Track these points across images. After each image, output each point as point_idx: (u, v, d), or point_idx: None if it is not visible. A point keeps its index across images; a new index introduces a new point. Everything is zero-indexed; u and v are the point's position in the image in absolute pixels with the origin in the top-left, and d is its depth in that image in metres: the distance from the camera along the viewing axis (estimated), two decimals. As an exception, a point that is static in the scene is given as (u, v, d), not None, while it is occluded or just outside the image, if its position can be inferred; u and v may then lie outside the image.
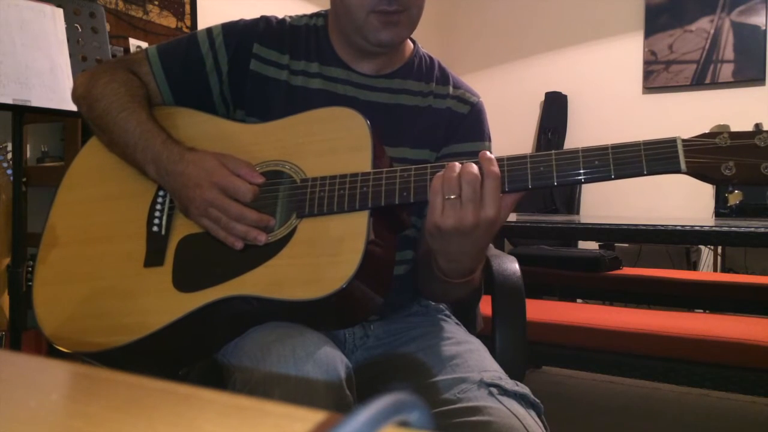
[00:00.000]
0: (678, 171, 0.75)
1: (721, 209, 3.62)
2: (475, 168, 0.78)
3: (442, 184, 0.78)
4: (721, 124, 0.76)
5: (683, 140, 0.75)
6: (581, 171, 0.78)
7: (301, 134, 0.93)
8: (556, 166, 0.78)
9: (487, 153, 0.80)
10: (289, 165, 0.91)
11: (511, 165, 0.80)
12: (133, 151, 0.94)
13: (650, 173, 0.76)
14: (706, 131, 0.76)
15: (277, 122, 0.96)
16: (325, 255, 0.83)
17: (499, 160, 0.80)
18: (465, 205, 0.77)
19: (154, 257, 0.92)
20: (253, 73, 1.01)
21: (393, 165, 0.88)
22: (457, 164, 0.79)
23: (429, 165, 0.84)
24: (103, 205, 0.99)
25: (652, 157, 0.75)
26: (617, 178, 0.77)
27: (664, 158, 0.75)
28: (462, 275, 0.87)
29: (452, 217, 0.77)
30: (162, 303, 0.88)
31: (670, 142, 0.75)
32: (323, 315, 0.86)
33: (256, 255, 0.86)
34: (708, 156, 0.74)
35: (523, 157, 0.80)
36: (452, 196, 0.77)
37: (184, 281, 0.88)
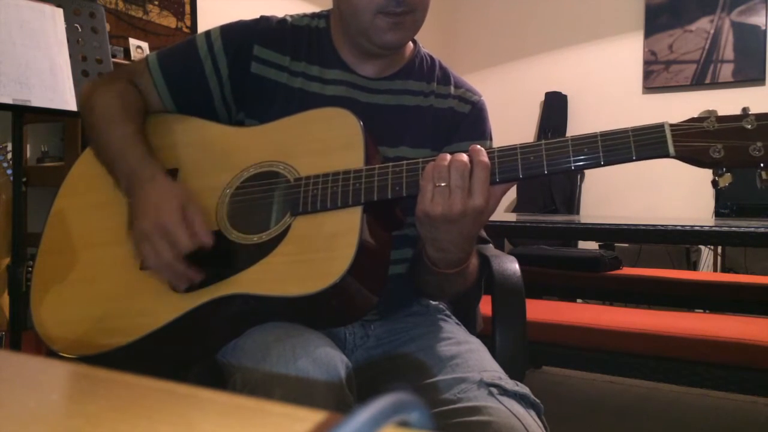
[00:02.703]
0: (667, 155, 0.76)
1: (721, 209, 3.62)
2: (464, 157, 0.80)
3: (432, 171, 0.80)
4: (710, 109, 0.77)
5: (671, 125, 0.76)
6: (571, 159, 0.79)
7: (295, 135, 0.93)
8: (546, 155, 0.80)
9: (477, 146, 0.81)
10: (283, 165, 0.91)
11: (501, 156, 0.81)
12: (112, 162, 0.95)
13: (639, 158, 0.77)
14: (694, 116, 0.78)
15: (272, 124, 0.96)
16: (320, 251, 0.84)
17: (490, 151, 0.81)
18: (453, 192, 0.79)
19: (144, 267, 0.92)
20: (254, 75, 1.01)
21: (386, 162, 0.89)
22: (448, 154, 0.81)
23: (421, 160, 0.84)
24: (100, 210, 1.00)
25: (640, 143, 0.76)
26: (607, 164, 0.78)
27: (653, 143, 0.76)
28: (450, 265, 0.88)
29: (441, 204, 0.79)
30: (158, 304, 0.88)
31: (658, 127, 0.76)
32: (320, 312, 0.86)
33: (251, 254, 0.86)
34: (696, 140, 0.75)
35: (513, 147, 0.82)
36: (442, 184, 0.79)
37: None
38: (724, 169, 0.77)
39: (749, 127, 0.74)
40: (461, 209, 0.79)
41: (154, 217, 0.85)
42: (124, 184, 0.93)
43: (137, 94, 1.02)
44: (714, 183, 0.79)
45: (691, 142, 0.75)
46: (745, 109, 0.76)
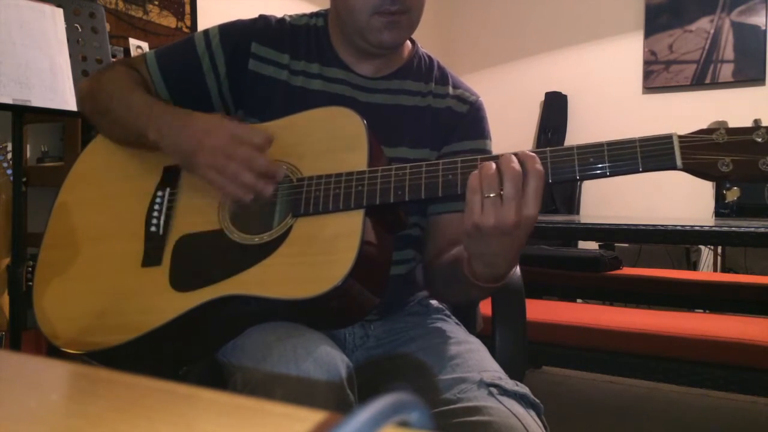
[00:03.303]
0: (674, 168, 0.74)
1: (721, 209, 3.62)
2: (516, 165, 0.75)
3: (480, 182, 0.76)
4: (719, 120, 0.76)
5: (680, 137, 0.74)
6: (576, 168, 0.77)
7: (299, 134, 0.93)
8: (551, 164, 0.78)
9: (530, 153, 0.77)
10: (286, 165, 0.91)
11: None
12: (135, 119, 0.94)
13: (646, 170, 0.75)
14: (704, 127, 0.76)
15: (275, 122, 0.96)
16: (321, 253, 0.83)
17: (493, 158, 0.79)
18: (507, 203, 0.74)
19: (151, 257, 0.92)
20: (252, 73, 1.01)
21: (390, 164, 0.88)
22: (493, 162, 0.77)
23: (424, 164, 0.83)
24: (103, 206, 1.00)
25: (647, 154, 0.75)
26: (612, 175, 0.76)
27: (660, 155, 0.74)
28: (493, 280, 0.85)
29: (493, 216, 0.75)
30: (159, 302, 0.88)
31: (666, 139, 0.75)
32: (320, 314, 0.86)
33: (252, 254, 0.86)
34: (705, 152, 0.73)
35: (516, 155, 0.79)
36: (491, 194, 0.75)
37: (180, 280, 0.89)
38: (731, 183, 0.75)
39: (760, 140, 0.72)
40: (515, 220, 0.74)
41: (214, 131, 0.86)
42: (154, 131, 0.92)
43: (140, 77, 1.03)
44: (722, 197, 0.77)
45: (700, 154, 0.73)
46: (756, 121, 0.74)
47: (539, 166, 0.75)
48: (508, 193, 0.74)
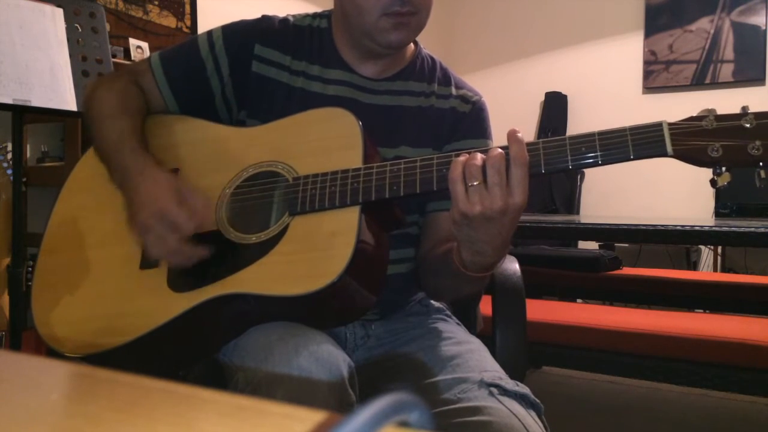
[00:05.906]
0: (665, 154, 0.75)
1: (721, 209, 3.62)
2: (498, 151, 0.77)
3: (462, 172, 0.77)
4: (708, 108, 0.77)
5: (669, 124, 0.76)
6: (568, 158, 0.78)
7: (294, 135, 0.93)
8: (543, 154, 0.79)
9: (518, 135, 0.78)
10: (282, 165, 0.91)
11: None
12: (108, 157, 0.95)
13: (637, 158, 0.76)
14: (693, 115, 0.77)
15: (272, 124, 0.96)
16: (317, 250, 0.84)
17: (483, 150, 0.80)
18: (492, 189, 0.76)
19: (149, 259, 0.92)
20: (255, 75, 1.01)
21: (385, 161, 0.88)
22: (479, 153, 0.78)
23: (419, 159, 0.84)
24: (102, 211, 1.00)
25: (638, 142, 0.76)
26: (605, 163, 0.77)
27: (651, 142, 0.75)
28: (482, 269, 0.85)
29: (479, 203, 0.76)
30: (157, 303, 0.88)
31: (656, 126, 0.76)
32: (318, 311, 0.86)
33: (249, 253, 0.87)
34: (694, 139, 0.75)
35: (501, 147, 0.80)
36: (475, 182, 0.76)
37: (178, 281, 0.89)
38: (723, 168, 0.76)
39: (748, 125, 0.73)
40: (502, 206, 0.76)
41: (150, 207, 0.85)
42: (117, 178, 0.93)
43: (138, 93, 1.03)
44: (712, 182, 0.78)
45: (690, 141, 0.75)
46: (744, 108, 0.75)
47: (524, 153, 0.77)
48: (491, 179, 0.76)
